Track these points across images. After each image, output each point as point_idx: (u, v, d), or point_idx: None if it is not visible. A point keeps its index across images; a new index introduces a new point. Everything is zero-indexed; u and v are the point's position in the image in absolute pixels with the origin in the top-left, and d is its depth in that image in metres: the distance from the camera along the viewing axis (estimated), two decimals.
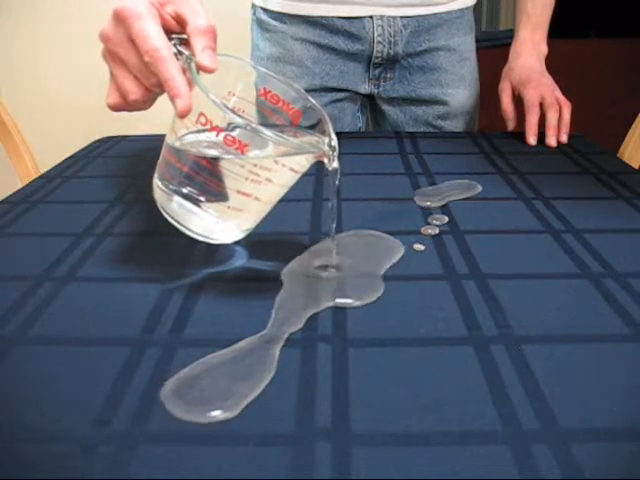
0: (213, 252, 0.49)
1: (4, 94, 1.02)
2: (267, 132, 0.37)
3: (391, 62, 0.89)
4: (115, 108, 0.44)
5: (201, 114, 0.39)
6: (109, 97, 0.43)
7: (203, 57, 0.41)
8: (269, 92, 0.46)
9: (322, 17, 0.86)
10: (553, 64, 0.88)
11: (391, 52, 0.88)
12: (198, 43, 0.41)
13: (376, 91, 0.92)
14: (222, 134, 0.39)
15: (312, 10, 0.86)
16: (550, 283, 0.45)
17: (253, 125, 0.38)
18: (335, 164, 0.43)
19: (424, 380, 0.34)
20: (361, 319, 0.40)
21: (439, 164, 0.72)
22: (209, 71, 0.41)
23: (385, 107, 0.94)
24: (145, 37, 0.40)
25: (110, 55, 0.42)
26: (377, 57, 0.88)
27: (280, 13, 0.88)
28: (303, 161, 0.42)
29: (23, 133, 1.00)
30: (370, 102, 0.96)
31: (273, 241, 0.50)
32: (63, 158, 0.77)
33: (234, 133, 0.39)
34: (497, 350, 0.37)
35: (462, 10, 0.91)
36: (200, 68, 0.40)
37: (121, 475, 0.28)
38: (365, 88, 0.92)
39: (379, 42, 0.87)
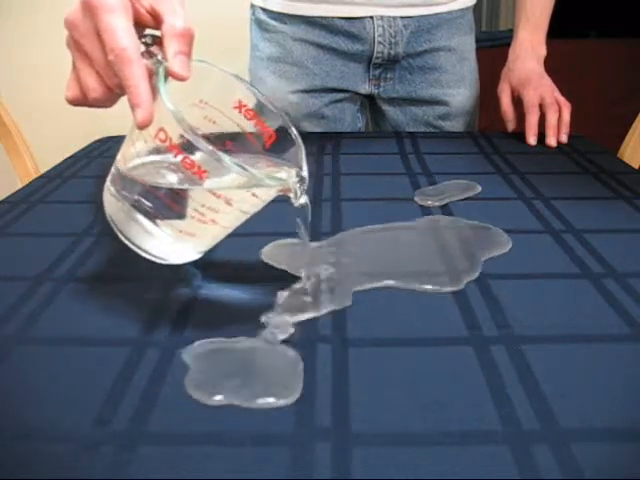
0: (213, 252, 0.49)
1: (4, 94, 1.02)
2: (228, 162, 0.34)
3: (391, 62, 0.89)
4: (74, 103, 0.41)
5: (161, 129, 0.36)
6: (68, 90, 0.40)
7: (175, 62, 0.38)
8: (245, 105, 0.42)
9: (322, 17, 0.86)
10: (553, 64, 0.88)
11: (391, 52, 0.88)
12: (171, 46, 0.38)
13: (376, 91, 0.92)
14: (180, 156, 0.36)
15: (312, 10, 0.86)
16: (550, 283, 0.45)
17: (213, 150, 0.34)
18: (303, 200, 0.39)
19: (424, 380, 0.34)
20: (361, 319, 0.40)
21: (439, 164, 0.72)
22: (180, 79, 0.38)
23: (385, 107, 0.94)
24: (112, 33, 0.36)
25: (74, 45, 0.39)
26: (377, 57, 0.88)
27: (280, 13, 0.88)
28: (266, 193, 0.39)
29: (23, 133, 1.00)
30: (370, 102, 0.96)
31: (273, 241, 0.50)
32: (63, 158, 0.77)
33: (195, 156, 0.35)
34: (497, 350, 0.37)
35: (462, 10, 0.91)
36: (171, 74, 0.37)
37: (121, 475, 0.28)
38: (365, 88, 0.92)
39: (379, 42, 0.87)
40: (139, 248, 0.41)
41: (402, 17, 0.86)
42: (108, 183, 0.41)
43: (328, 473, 0.28)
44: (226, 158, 0.34)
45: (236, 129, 0.42)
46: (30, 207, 0.61)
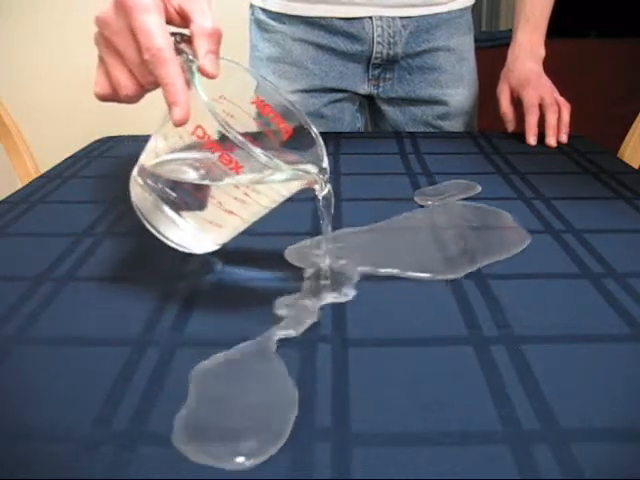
0: (213, 252, 0.49)
1: (4, 94, 1.02)
2: (264, 158, 0.36)
3: (390, 62, 0.89)
4: (104, 99, 0.41)
5: (199, 126, 0.38)
6: (98, 86, 0.41)
7: (206, 61, 0.39)
8: (263, 101, 0.44)
9: (321, 18, 0.86)
10: (553, 64, 0.88)
11: (390, 53, 0.88)
12: (202, 45, 0.39)
13: (375, 91, 0.92)
14: (218, 152, 0.38)
15: (311, 11, 0.86)
16: (550, 283, 0.45)
17: (250, 147, 0.36)
18: (327, 190, 0.41)
19: (424, 380, 0.34)
20: (361, 319, 0.40)
21: (439, 164, 0.72)
22: (211, 77, 0.39)
23: (384, 107, 0.94)
24: (148, 33, 0.37)
25: (105, 42, 0.40)
26: (376, 58, 0.88)
27: (279, 13, 0.88)
28: (294, 187, 0.41)
29: (23, 133, 1.00)
30: (369, 102, 0.96)
31: (273, 241, 0.50)
32: (63, 158, 0.77)
33: (233, 154, 0.37)
34: (497, 350, 0.37)
35: (461, 10, 0.91)
36: (202, 73, 0.39)
37: (121, 475, 0.28)
38: (364, 88, 0.92)
39: (378, 43, 0.87)
40: (163, 236, 0.43)
41: (401, 17, 0.86)
42: (135, 174, 0.43)
43: (328, 473, 0.28)
44: (257, 151, 0.36)
45: (253, 124, 0.44)
46: (30, 207, 0.61)
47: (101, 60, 0.41)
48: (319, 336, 0.38)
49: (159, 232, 0.43)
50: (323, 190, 0.41)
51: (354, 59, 0.89)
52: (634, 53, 1.78)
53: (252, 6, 0.93)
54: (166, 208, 0.42)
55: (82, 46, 0.81)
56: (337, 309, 0.41)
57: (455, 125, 0.94)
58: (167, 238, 0.43)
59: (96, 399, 0.33)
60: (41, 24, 1.75)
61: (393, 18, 0.86)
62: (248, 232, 0.45)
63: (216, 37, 0.40)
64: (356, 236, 0.52)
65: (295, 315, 0.40)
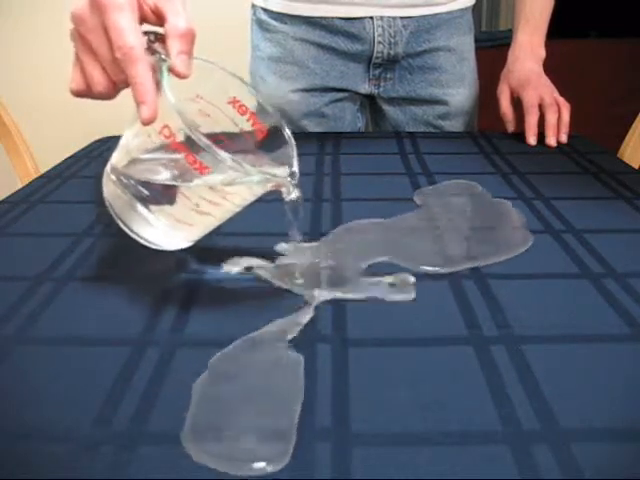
0: (212, 252, 0.49)
1: (4, 94, 1.02)
2: (225, 157, 0.36)
3: (391, 62, 0.89)
4: (78, 95, 0.42)
5: (165, 126, 0.38)
6: (73, 82, 0.41)
7: (178, 62, 0.39)
8: (238, 101, 0.44)
9: (322, 18, 0.86)
10: (553, 64, 0.88)
11: (391, 52, 0.88)
12: (174, 45, 0.40)
13: (376, 91, 0.92)
14: (183, 152, 0.38)
15: (312, 11, 0.86)
16: (550, 283, 0.45)
17: (211, 146, 0.36)
18: (295, 194, 0.41)
19: (424, 380, 0.34)
20: (361, 319, 0.40)
21: (439, 164, 0.72)
22: (182, 77, 0.39)
23: (385, 107, 0.94)
24: (120, 31, 0.38)
25: (80, 39, 0.40)
26: (377, 57, 0.88)
27: (280, 13, 0.88)
28: (263, 189, 0.41)
29: (23, 133, 1.00)
30: (370, 102, 0.96)
31: (273, 241, 0.50)
32: (63, 158, 0.77)
33: (198, 155, 0.38)
34: (497, 350, 0.37)
35: (462, 10, 0.91)
36: (173, 73, 0.39)
37: (121, 475, 0.28)
38: (365, 88, 0.92)
39: (379, 42, 0.87)
40: (135, 233, 0.43)
41: (402, 17, 0.86)
42: (108, 170, 0.43)
43: (328, 473, 0.28)
44: (223, 154, 0.36)
45: (229, 123, 0.44)
46: (30, 207, 0.61)
47: (76, 56, 0.41)
48: (319, 336, 0.38)
49: (131, 229, 0.43)
50: (290, 194, 0.41)
51: (355, 59, 0.89)
52: (634, 53, 1.78)
53: (254, 6, 0.93)
54: (139, 206, 0.42)
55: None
56: (337, 309, 0.41)
57: (455, 125, 0.94)
58: (138, 235, 0.43)
59: (96, 399, 0.33)
60: (41, 24, 1.75)
61: (394, 18, 0.86)
62: (248, 232, 0.45)
63: (189, 37, 0.40)
64: (352, 235, 0.53)
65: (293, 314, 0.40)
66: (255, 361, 0.36)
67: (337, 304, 0.42)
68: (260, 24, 0.91)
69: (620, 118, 1.07)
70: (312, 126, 0.91)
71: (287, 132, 0.43)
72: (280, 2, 0.87)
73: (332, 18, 0.86)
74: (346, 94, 0.92)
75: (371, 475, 0.28)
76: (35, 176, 0.72)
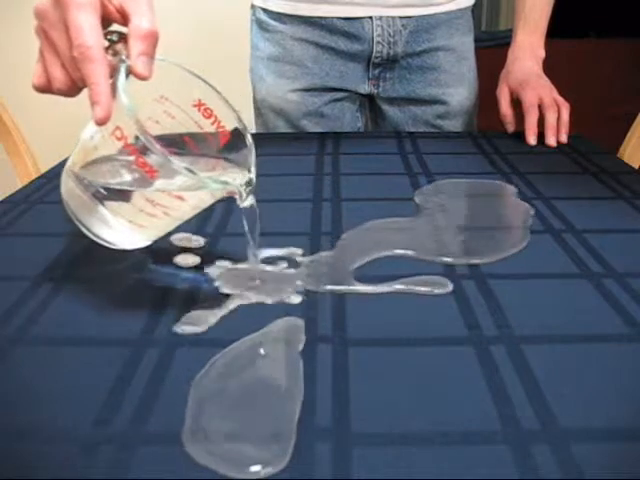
0: (212, 252, 0.49)
1: (4, 94, 1.02)
2: (177, 164, 0.36)
3: (391, 62, 0.89)
4: (40, 90, 0.42)
5: (117, 127, 0.38)
6: (35, 77, 0.41)
7: (138, 63, 0.39)
8: (203, 104, 0.43)
9: (321, 18, 0.86)
10: (553, 64, 0.88)
11: (390, 52, 0.88)
12: (135, 47, 0.39)
13: (376, 91, 0.92)
14: (134, 155, 0.38)
15: (312, 11, 0.86)
16: (550, 283, 0.45)
17: (163, 152, 0.36)
18: (248, 201, 0.41)
19: (424, 380, 0.34)
20: (361, 319, 0.40)
21: (439, 164, 0.72)
22: (142, 78, 0.39)
23: (385, 107, 0.94)
24: (79, 30, 0.37)
25: (43, 34, 0.40)
26: (377, 57, 0.88)
27: (280, 13, 0.88)
28: (218, 194, 0.41)
29: (23, 133, 1.00)
30: (369, 102, 0.96)
31: (272, 241, 0.50)
32: (63, 158, 0.77)
33: (148, 157, 0.37)
34: (497, 350, 0.37)
35: (461, 10, 0.91)
36: (133, 74, 0.39)
37: (121, 475, 0.28)
38: (365, 88, 0.92)
39: (378, 42, 0.87)
40: (92, 233, 0.43)
41: (401, 17, 0.86)
42: (67, 168, 0.43)
43: (328, 473, 0.28)
44: (175, 161, 0.36)
45: (193, 125, 0.44)
46: (30, 207, 0.61)
47: (40, 52, 0.41)
48: (319, 336, 0.38)
49: (88, 229, 0.43)
50: (244, 202, 0.41)
51: (354, 59, 0.89)
52: (634, 53, 1.78)
53: (253, 6, 0.93)
54: (97, 205, 0.41)
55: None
56: (337, 309, 0.41)
57: (455, 124, 0.95)
58: (96, 235, 0.43)
59: (96, 399, 0.33)
60: None
61: (393, 18, 0.86)
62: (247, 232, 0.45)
63: (152, 39, 0.40)
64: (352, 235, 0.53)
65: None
66: (255, 361, 0.36)
67: (337, 304, 0.42)
68: (260, 24, 0.91)
69: (620, 118, 1.07)
70: (311, 126, 0.92)
71: (249, 137, 0.43)
72: (279, 2, 0.88)
73: (331, 18, 0.86)
74: (345, 94, 0.92)
75: (371, 475, 0.28)
76: (35, 176, 0.72)
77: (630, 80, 1.78)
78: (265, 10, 0.90)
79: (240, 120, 0.44)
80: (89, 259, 0.49)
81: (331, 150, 0.78)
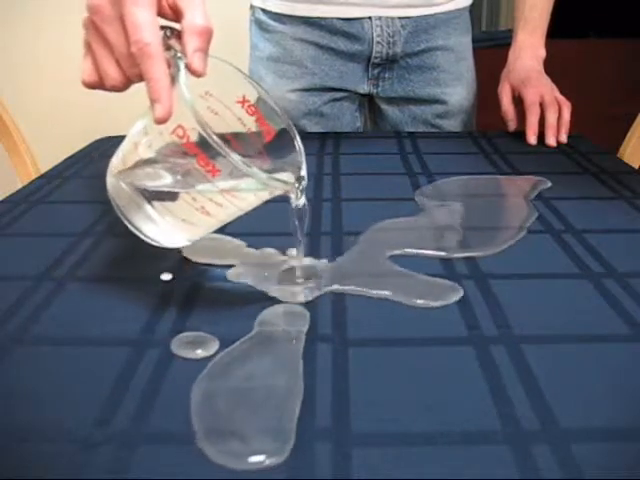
0: (213, 252, 0.49)
1: (4, 94, 1.02)
2: (241, 165, 0.36)
3: (390, 62, 0.89)
4: (90, 87, 0.41)
5: (179, 126, 0.37)
6: (85, 74, 0.40)
7: (194, 59, 0.38)
8: (247, 101, 0.43)
9: (321, 18, 0.86)
10: (553, 64, 0.88)
11: (390, 52, 0.88)
12: (191, 43, 0.38)
13: (375, 91, 0.93)
14: (196, 154, 0.37)
15: (311, 11, 0.86)
16: (550, 283, 0.45)
17: (229, 152, 0.36)
18: (302, 200, 0.41)
19: (424, 380, 0.34)
20: (361, 319, 0.40)
21: (439, 164, 0.72)
22: (198, 75, 0.39)
23: (384, 106, 0.94)
24: (138, 26, 0.37)
25: (95, 30, 0.39)
26: (376, 57, 0.88)
27: (279, 14, 0.88)
28: (271, 193, 0.41)
29: (23, 133, 1.00)
30: (369, 102, 0.97)
31: (272, 241, 0.50)
32: (63, 158, 0.77)
33: (212, 158, 0.37)
34: (497, 350, 0.37)
35: (459, 10, 0.91)
36: (190, 70, 0.38)
37: (121, 475, 0.28)
38: (364, 88, 0.92)
39: (378, 42, 0.87)
40: (136, 228, 0.42)
41: (400, 17, 0.86)
42: (113, 166, 0.42)
43: (328, 473, 0.28)
44: (237, 157, 0.36)
45: (237, 122, 0.43)
46: (30, 207, 0.61)
47: (88, 46, 0.40)
48: (319, 336, 0.38)
49: (133, 224, 0.42)
50: (298, 200, 0.41)
51: (354, 59, 0.89)
52: (634, 53, 1.78)
53: (252, 7, 0.93)
54: (143, 203, 0.41)
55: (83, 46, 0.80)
56: (337, 309, 0.41)
57: (454, 124, 0.95)
58: (141, 232, 0.43)
59: (96, 399, 0.33)
60: (41, 24, 1.75)
61: (392, 18, 0.86)
62: (248, 233, 0.45)
63: (206, 35, 0.39)
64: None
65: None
66: (255, 361, 0.36)
67: (337, 304, 0.42)
68: (259, 24, 0.91)
69: (620, 118, 1.07)
70: (311, 126, 0.92)
71: (298, 142, 0.43)
72: (278, 3, 0.88)
73: (331, 18, 0.86)
74: (345, 94, 0.92)
75: (371, 475, 0.28)
76: (35, 176, 0.72)
77: (630, 80, 1.78)
78: (264, 10, 0.90)
79: (288, 121, 0.43)
80: (89, 259, 0.49)
81: (331, 150, 0.78)
